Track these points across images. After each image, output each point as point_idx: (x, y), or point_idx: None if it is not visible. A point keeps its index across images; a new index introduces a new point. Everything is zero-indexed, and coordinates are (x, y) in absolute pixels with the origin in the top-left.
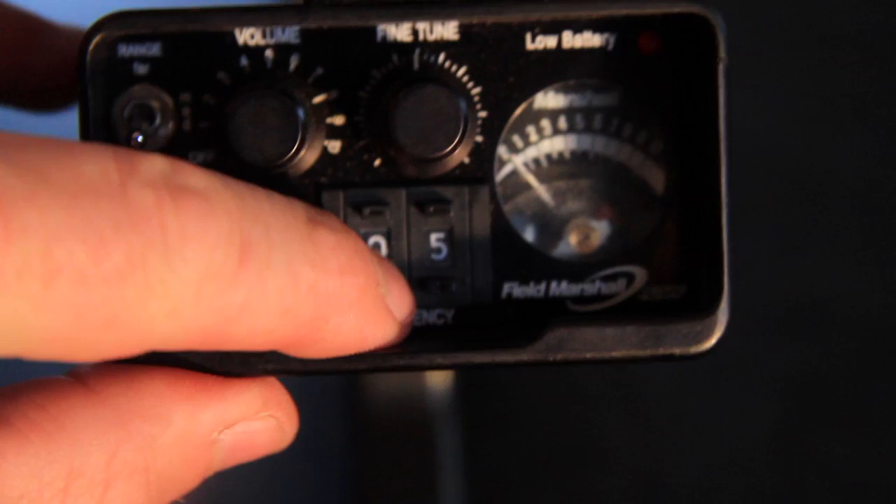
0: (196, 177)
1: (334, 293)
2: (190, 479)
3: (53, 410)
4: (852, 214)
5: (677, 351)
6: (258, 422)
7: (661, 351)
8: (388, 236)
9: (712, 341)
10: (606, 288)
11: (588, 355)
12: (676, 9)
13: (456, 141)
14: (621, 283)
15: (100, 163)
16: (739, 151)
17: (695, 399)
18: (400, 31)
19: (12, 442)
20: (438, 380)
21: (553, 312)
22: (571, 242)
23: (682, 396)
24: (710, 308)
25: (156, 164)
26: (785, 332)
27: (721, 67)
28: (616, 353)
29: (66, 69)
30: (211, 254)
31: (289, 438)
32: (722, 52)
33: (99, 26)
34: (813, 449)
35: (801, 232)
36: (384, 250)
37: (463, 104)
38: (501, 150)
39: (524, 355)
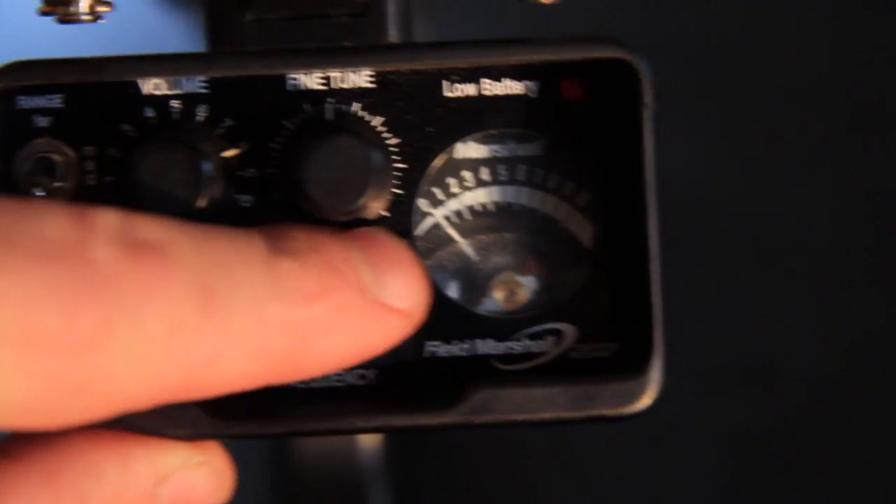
0: (150, 228)
1: (308, 322)
2: None
3: None
4: (800, 272)
5: (609, 412)
6: (194, 471)
7: (593, 412)
8: None
9: (646, 401)
10: (534, 346)
11: (515, 417)
12: (598, 54)
13: (366, 193)
14: (550, 340)
15: (58, 221)
16: (685, 207)
17: (640, 458)
18: (310, 80)
19: None
20: (369, 438)
21: (478, 372)
22: (497, 298)
23: (627, 455)
24: (642, 366)
25: (110, 220)
26: (732, 391)
27: (646, 113)
28: (545, 415)
29: None
30: (173, 309)
31: (228, 486)
32: (646, 98)
33: None
34: None
35: (748, 290)
36: None
37: (374, 154)
38: (422, 203)
39: (447, 418)
